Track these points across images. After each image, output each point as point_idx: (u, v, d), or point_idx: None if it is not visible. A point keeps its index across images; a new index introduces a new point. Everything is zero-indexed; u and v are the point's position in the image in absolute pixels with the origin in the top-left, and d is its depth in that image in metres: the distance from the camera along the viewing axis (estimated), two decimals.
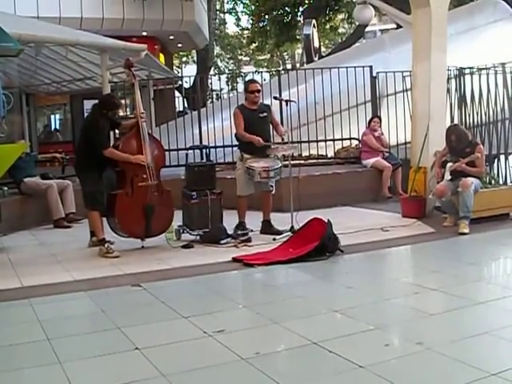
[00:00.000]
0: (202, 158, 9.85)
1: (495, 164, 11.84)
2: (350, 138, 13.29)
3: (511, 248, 8.02)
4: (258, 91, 8.70)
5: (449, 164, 9.15)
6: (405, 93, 12.55)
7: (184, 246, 7.95)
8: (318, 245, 7.06)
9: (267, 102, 9.27)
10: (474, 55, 13.81)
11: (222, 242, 8.07)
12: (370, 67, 12.87)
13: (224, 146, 12.06)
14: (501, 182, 11.12)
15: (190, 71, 30.40)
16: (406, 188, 10.48)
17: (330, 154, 13.49)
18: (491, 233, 8.53)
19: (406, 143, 11.98)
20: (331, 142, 13.33)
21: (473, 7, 17.44)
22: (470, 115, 11.78)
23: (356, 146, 13.03)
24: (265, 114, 8.64)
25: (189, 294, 6.04)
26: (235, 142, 8.99)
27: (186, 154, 9.84)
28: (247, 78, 13.02)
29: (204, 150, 9.73)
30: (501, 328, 4.44)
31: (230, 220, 8.65)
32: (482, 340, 4.24)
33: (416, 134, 10.34)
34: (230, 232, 8.34)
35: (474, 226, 8.53)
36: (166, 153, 9.11)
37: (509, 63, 12.20)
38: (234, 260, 7.07)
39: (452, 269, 6.61)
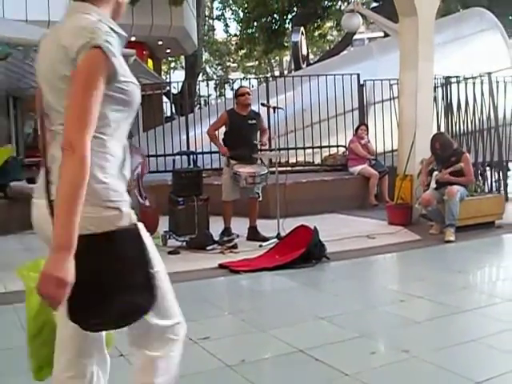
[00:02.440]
0: (189, 164, 9.82)
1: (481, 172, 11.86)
2: (337, 146, 13.32)
3: (497, 256, 8.07)
4: (248, 93, 8.74)
5: (435, 172, 9.19)
6: (392, 101, 12.58)
7: (170, 252, 7.92)
8: (304, 252, 7.06)
9: (255, 108, 9.29)
10: (461, 64, 13.86)
11: (209, 248, 8.06)
12: (358, 75, 12.93)
13: (211, 152, 12.03)
14: (486, 190, 11.16)
15: (178, 77, 30.39)
16: (393, 195, 10.52)
17: (317, 161, 13.52)
18: (477, 241, 8.57)
19: (392, 151, 12.02)
20: (318, 149, 13.36)
21: (459, 17, 17.54)
22: (456, 124, 11.81)
23: (343, 153, 13.06)
24: (254, 122, 8.67)
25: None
26: None
27: (174, 160, 9.83)
28: (235, 85, 13.05)
29: (191, 156, 9.70)
30: (487, 336, 4.45)
31: (216, 226, 8.64)
32: (467, 348, 4.25)
33: (402, 142, 10.37)
34: (217, 238, 8.32)
35: (460, 234, 8.55)
36: (154, 158, 9.09)
37: (494, 73, 12.25)
38: (221, 266, 7.06)
39: (438, 276, 6.64)
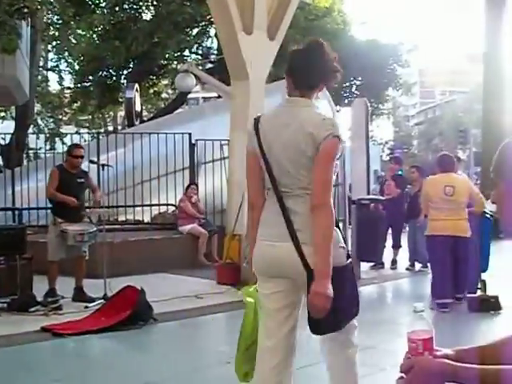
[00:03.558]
0: (13, 221, 9.45)
1: None
2: (167, 204, 13.32)
3: None
4: (82, 157, 8.59)
5: None
6: (222, 161, 12.76)
7: None
8: (131, 314, 6.94)
9: (84, 164, 9.12)
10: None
11: (32, 309, 7.71)
12: (189, 134, 13.02)
13: (38, 208, 11.66)
14: None
15: (7, 127, 29.40)
16: (222, 255, 10.60)
17: (147, 219, 13.41)
18: None
19: (222, 211, 12.13)
20: (148, 208, 13.27)
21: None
22: None
23: (173, 211, 13.04)
24: (82, 180, 8.52)
25: None
26: (50, 205, 8.75)
27: None
28: (67, 139, 12.79)
29: (15, 212, 9.35)
30: None
31: (41, 286, 8.31)
32: None
33: (232, 201, 10.53)
34: (41, 299, 8.00)
35: None
36: None
37: None
38: (44, 329, 6.78)
39: None
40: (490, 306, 7.83)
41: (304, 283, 3.11)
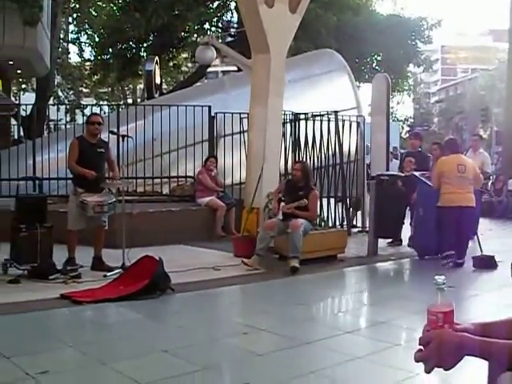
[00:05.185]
0: (34, 190, 9.52)
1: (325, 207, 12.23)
2: (186, 176, 13.35)
3: (338, 289, 8.32)
4: (99, 123, 8.62)
5: (282, 204, 9.36)
6: (242, 134, 12.76)
7: (10, 281, 7.61)
8: (148, 283, 6.99)
9: (104, 135, 9.15)
10: (309, 102, 14.31)
11: (51, 277, 7.79)
12: (209, 107, 13.01)
13: (58, 179, 11.73)
14: (330, 225, 11.53)
15: (28, 99, 29.44)
16: (239, 228, 10.64)
17: (166, 191, 13.45)
18: (320, 274, 8.81)
19: (240, 184, 12.16)
20: (167, 180, 13.31)
21: (310, 57, 18.09)
22: (303, 159, 12.16)
23: (191, 184, 13.07)
24: (102, 150, 8.56)
25: (12, 332, 5.75)
26: (70, 175, 8.80)
27: (17, 185, 9.49)
28: (87, 111, 12.82)
29: (36, 182, 9.42)
30: (326, 368, 4.57)
31: (60, 255, 8.39)
32: (308, 380, 4.34)
33: (250, 174, 10.55)
34: (60, 267, 8.09)
35: (303, 267, 8.73)
36: None
37: (341, 111, 12.75)
38: (63, 297, 6.85)
39: (281, 309, 6.77)
40: (490, 263, 9.28)
41: None
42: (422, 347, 1.79)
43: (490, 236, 12.36)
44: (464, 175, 9.37)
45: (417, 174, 10.48)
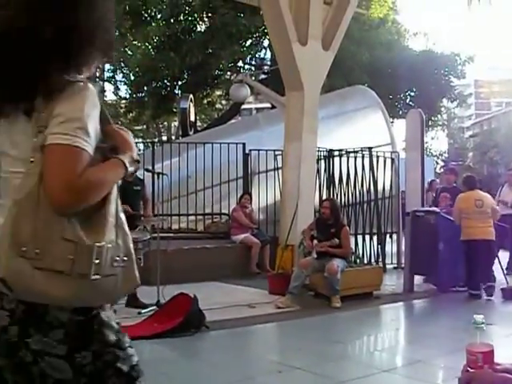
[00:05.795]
0: None
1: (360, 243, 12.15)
2: (221, 214, 13.37)
3: (374, 326, 8.21)
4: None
5: (315, 241, 9.32)
6: (276, 171, 12.79)
7: None
8: (183, 321, 6.97)
9: (140, 173, 9.22)
10: (343, 138, 14.33)
11: None
12: (243, 144, 13.09)
13: None
14: (365, 262, 11.45)
15: None
16: (274, 265, 10.60)
17: (200, 228, 13.47)
18: (356, 311, 8.72)
19: (275, 221, 12.14)
20: (202, 217, 13.34)
21: (344, 93, 18.16)
22: (337, 195, 12.14)
23: (226, 221, 13.09)
24: (138, 188, 8.63)
25: None
26: None
27: None
28: None
29: None
30: None
31: None
32: None
33: (285, 212, 10.53)
34: None
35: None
36: None
37: (375, 148, 12.73)
38: None
39: (317, 346, 6.69)
40: None
41: None
42: None
43: None
44: (482, 209, 9.73)
45: (437, 209, 10.67)
